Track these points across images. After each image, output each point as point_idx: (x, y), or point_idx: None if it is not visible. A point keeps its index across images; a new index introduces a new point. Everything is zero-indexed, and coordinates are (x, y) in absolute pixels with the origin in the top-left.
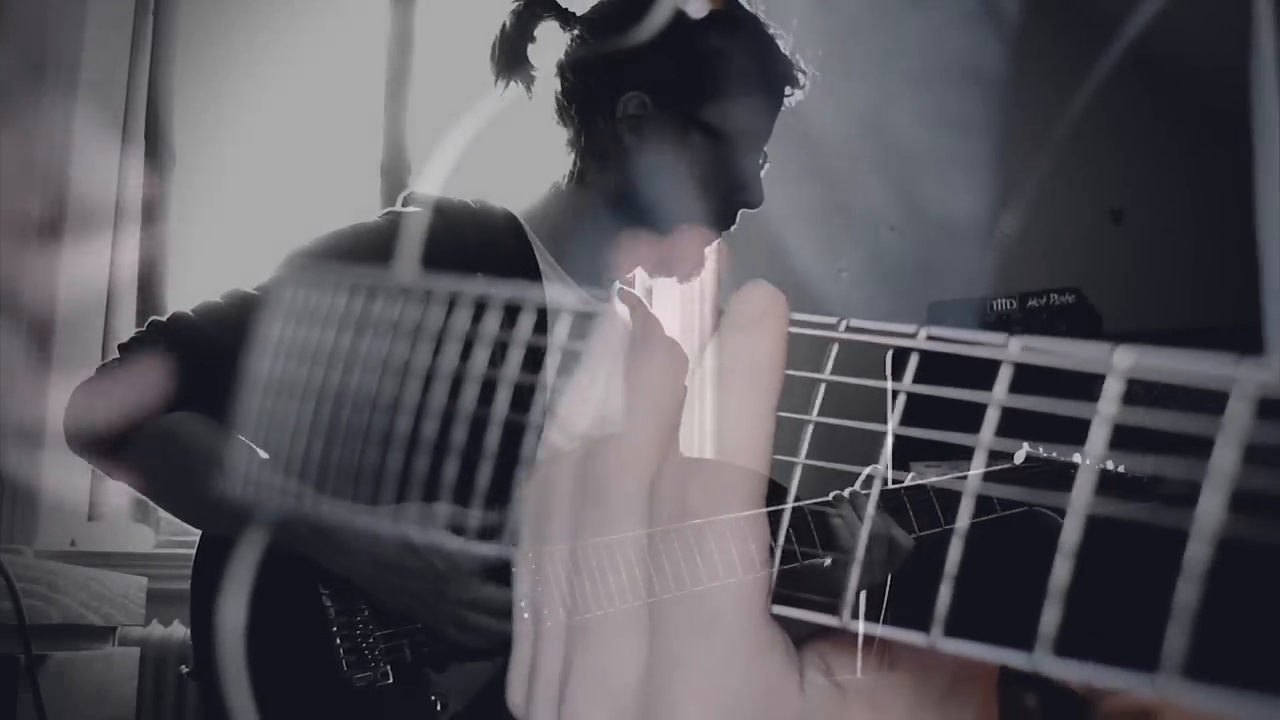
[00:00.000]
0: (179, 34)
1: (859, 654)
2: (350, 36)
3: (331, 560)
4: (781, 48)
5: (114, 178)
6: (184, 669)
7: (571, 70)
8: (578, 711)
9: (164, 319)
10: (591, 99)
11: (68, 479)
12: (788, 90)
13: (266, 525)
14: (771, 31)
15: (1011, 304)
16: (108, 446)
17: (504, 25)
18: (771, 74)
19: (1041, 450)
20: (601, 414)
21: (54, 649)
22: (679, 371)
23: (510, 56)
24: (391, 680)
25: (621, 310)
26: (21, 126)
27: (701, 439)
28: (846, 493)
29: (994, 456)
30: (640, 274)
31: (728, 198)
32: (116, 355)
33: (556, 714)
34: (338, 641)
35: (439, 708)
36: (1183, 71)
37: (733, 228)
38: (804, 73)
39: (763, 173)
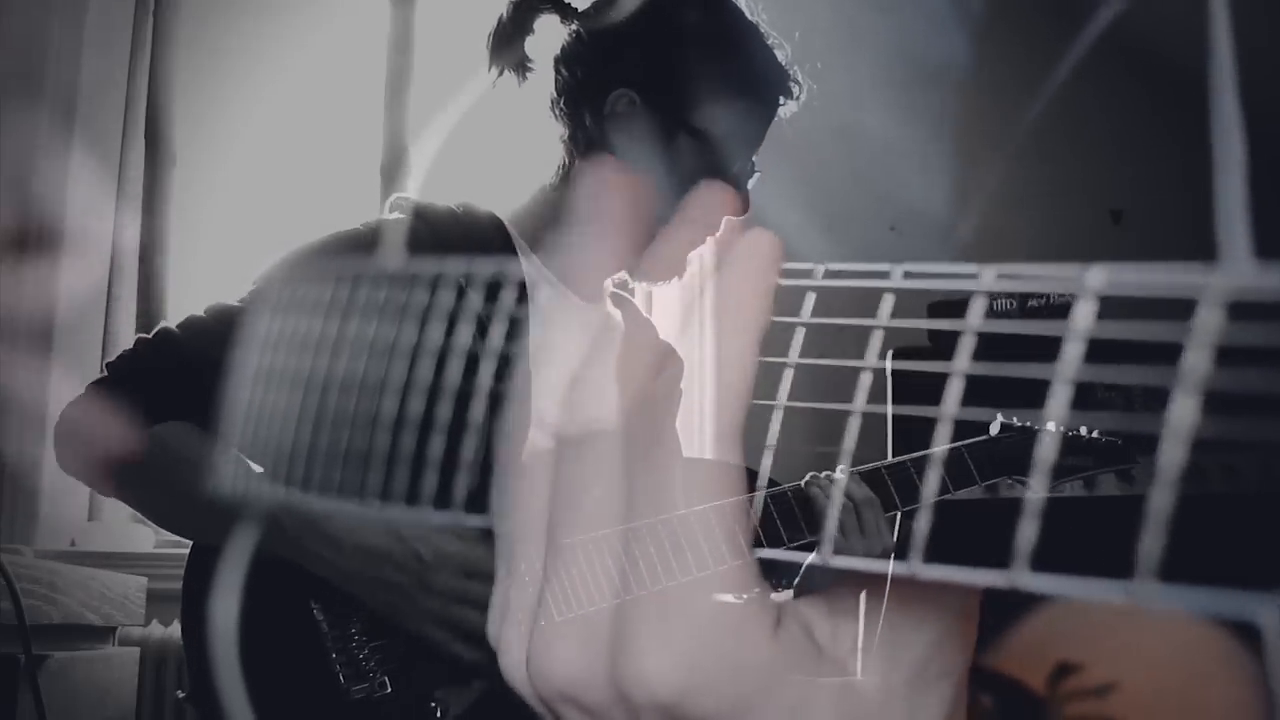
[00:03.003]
0: (179, 34)
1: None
2: (350, 36)
3: (314, 558)
4: (779, 58)
5: (114, 178)
6: (180, 694)
7: (565, 65)
8: (549, 640)
9: (150, 336)
10: (581, 95)
11: (68, 479)
12: (781, 100)
13: (252, 528)
14: (771, 42)
15: (1011, 304)
16: (97, 465)
17: (502, 16)
18: (764, 83)
19: (1015, 420)
20: (594, 409)
21: (54, 649)
22: (674, 375)
23: (507, 47)
24: (389, 690)
25: (614, 313)
26: (21, 126)
27: (701, 431)
28: (824, 475)
29: (971, 384)
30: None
31: None
32: (104, 373)
33: (527, 642)
34: (333, 655)
35: (438, 714)
36: (1184, 70)
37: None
38: (799, 84)
39: (752, 182)
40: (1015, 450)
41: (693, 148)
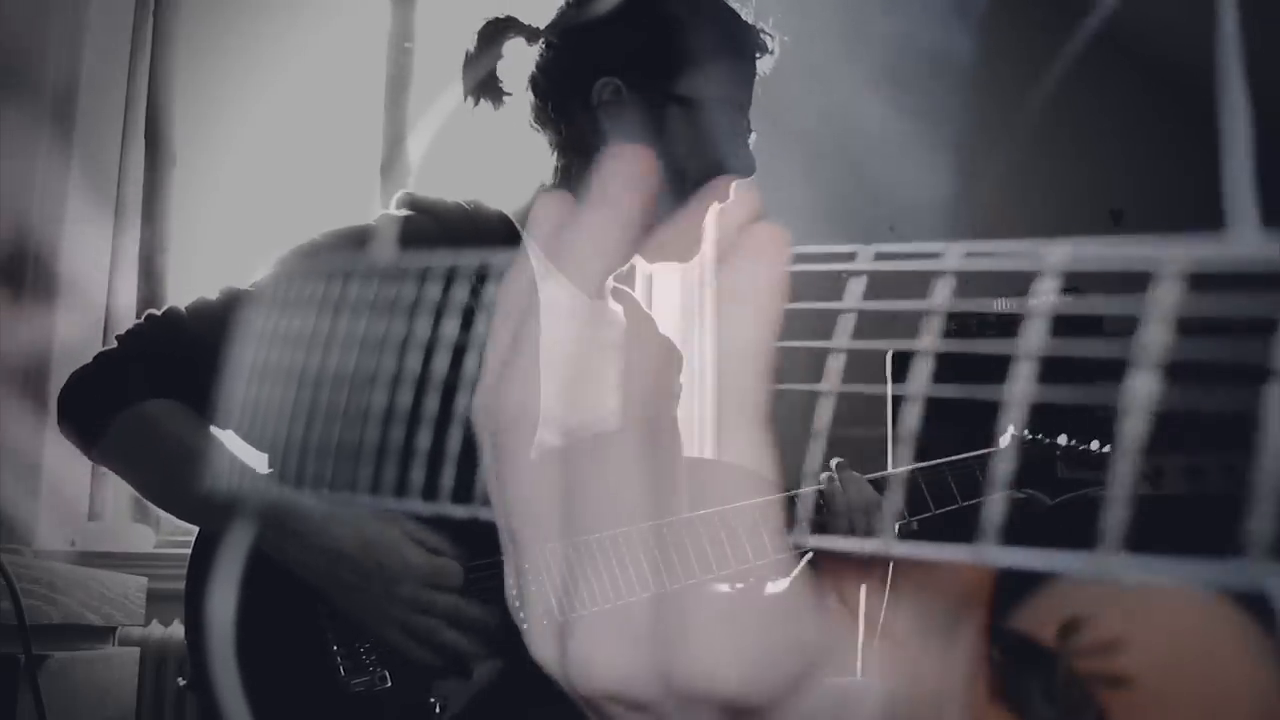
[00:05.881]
0: (179, 34)
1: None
2: (350, 36)
3: (289, 555)
4: (745, 16)
5: (114, 178)
6: (180, 681)
7: (543, 73)
8: (588, 641)
9: (159, 312)
10: (566, 95)
11: (68, 479)
12: (757, 55)
13: (232, 515)
14: (731, 3)
15: (1011, 303)
16: (93, 430)
17: (470, 47)
18: (737, 39)
19: (1026, 434)
20: (591, 410)
21: (54, 649)
22: (674, 369)
23: (479, 76)
24: (390, 684)
25: (616, 308)
26: (21, 127)
27: (702, 430)
28: (825, 475)
29: (938, 364)
30: (639, 261)
31: (718, 168)
32: (113, 344)
33: (560, 642)
34: (334, 648)
35: (438, 709)
36: (1183, 70)
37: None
38: (771, 36)
39: (751, 141)
40: (1024, 464)
41: (685, 118)
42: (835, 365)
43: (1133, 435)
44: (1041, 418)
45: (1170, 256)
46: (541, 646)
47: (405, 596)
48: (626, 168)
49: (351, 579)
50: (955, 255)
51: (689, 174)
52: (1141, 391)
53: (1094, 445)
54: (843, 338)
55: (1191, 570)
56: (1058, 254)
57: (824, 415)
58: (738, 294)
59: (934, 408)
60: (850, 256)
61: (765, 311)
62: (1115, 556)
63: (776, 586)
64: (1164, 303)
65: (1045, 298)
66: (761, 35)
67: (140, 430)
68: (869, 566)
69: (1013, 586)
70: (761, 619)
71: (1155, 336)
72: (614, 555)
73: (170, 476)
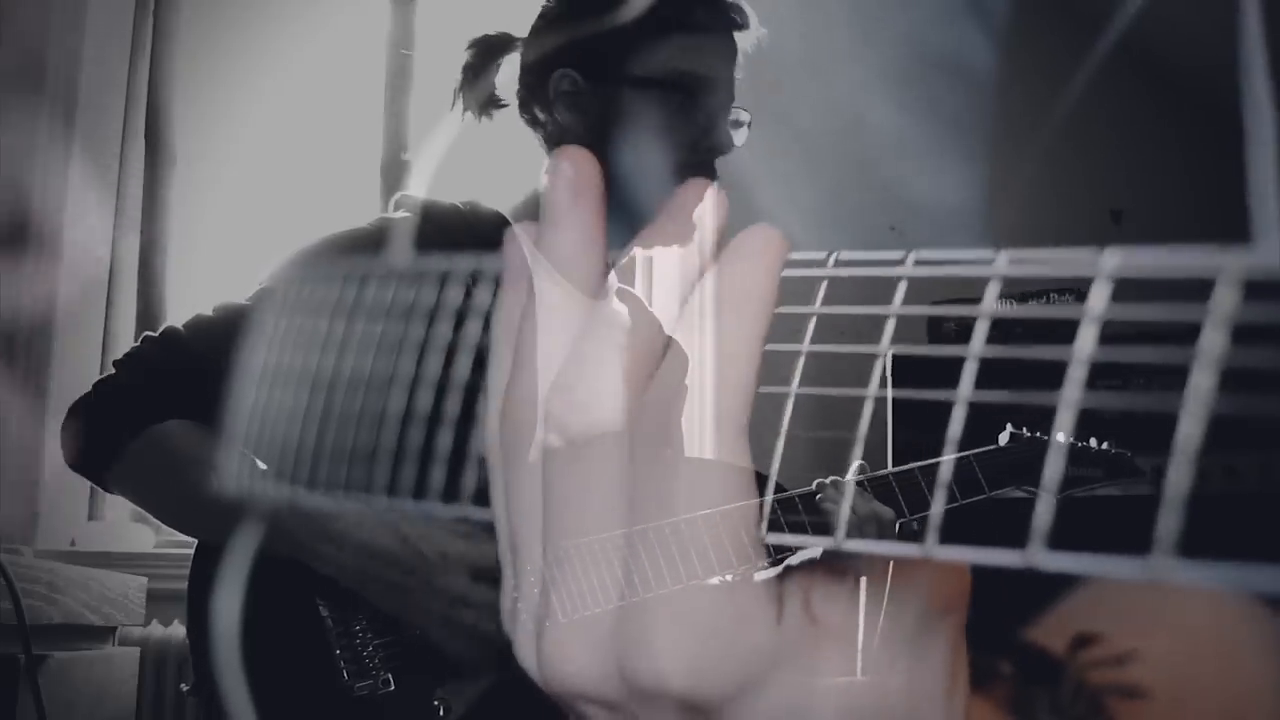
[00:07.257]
0: (179, 34)
1: (836, 588)
2: (350, 36)
3: (319, 557)
4: None
5: (114, 178)
6: (184, 687)
7: (519, 77)
8: (556, 645)
9: (156, 334)
10: (535, 93)
11: (68, 479)
12: (735, 30)
13: (256, 525)
14: None
15: (1011, 304)
16: (103, 463)
17: (465, 63)
18: (698, 14)
19: (1025, 431)
20: (595, 410)
21: (54, 649)
22: (678, 369)
23: (479, 93)
24: (393, 687)
25: (619, 307)
26: (21, 126)
27: (703, 428)
28: (829, 480)
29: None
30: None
31: (693, 147)
32: (111, 371)
33: (536, 645)
34: (337, 651)
35: (441, 712)
36: (1183, 71)
37: (715, 179)
38: (741, 11)
39: (744, 123)
40: (1023, 461)
41: (647, 100)
42: (876, 370)
43: (1188, 439)
44: (1041, 415)
45: (1229, 263)
46: (524, 651)
47: (447, 588)
48: (565, 175)
49: (391, 576)
50: (1003, 262)
51: (661, 154)
52: (1198, 396)
53: (1093, 442)
54: (884, 341)
55: (1243, 575)
56: (1110, 260)
57: (864, 421)
58: (719, 301)
59: (934, 406)
60: (899, 263)
61: (744, 320)
62: (1167, 561)
63: (729, 590)
64: (1222, 309)
65: (1096, 304)
66: (732, 12)
67: (156, 454)
68: (844, 573)
69: (1031, 597)
70: (709, 621)
71: (1213, 342)
72: (589, 564)
73: (192, 496)
